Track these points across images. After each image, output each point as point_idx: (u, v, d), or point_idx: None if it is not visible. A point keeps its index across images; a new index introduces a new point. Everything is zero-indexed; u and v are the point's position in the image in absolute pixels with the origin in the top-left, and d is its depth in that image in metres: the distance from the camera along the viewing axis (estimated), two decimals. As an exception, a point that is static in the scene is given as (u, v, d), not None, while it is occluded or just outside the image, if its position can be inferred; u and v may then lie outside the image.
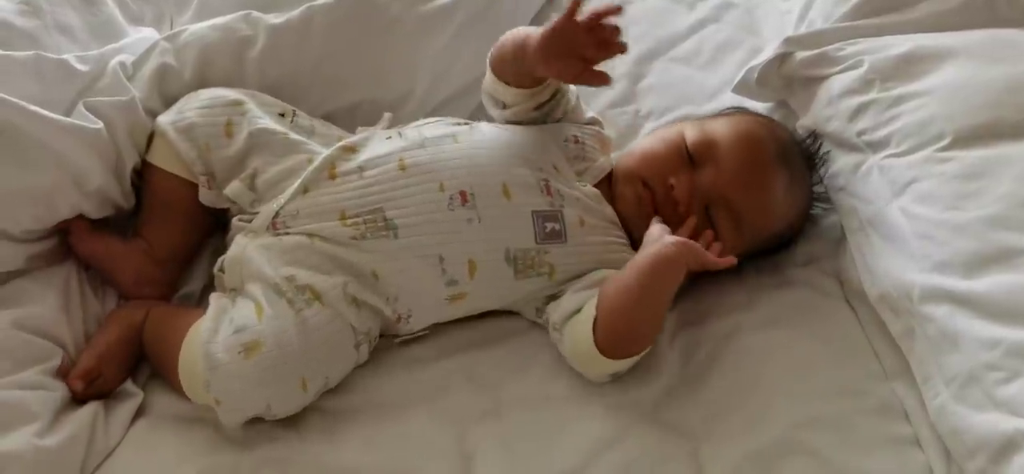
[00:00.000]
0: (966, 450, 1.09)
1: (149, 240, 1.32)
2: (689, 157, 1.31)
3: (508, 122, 1.39)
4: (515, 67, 1.31)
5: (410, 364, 1.27)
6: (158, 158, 1.33)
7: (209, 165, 1.31)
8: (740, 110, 1.46)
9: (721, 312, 1.33)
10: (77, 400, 1.20)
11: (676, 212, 1.29)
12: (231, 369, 1.14)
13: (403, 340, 1.29)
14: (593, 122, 1.43)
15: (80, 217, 1.30)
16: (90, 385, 1.21)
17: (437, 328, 1.30)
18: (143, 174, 1.34)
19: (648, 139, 1.40)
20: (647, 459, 1.17)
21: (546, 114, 1.39)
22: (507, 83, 1.34)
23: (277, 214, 1.25)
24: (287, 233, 1.24)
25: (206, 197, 1.32)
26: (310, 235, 1.23)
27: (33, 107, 1.22)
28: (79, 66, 1.33)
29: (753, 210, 1.31)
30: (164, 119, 1.33)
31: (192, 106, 1.33)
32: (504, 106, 1.38)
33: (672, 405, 1.23)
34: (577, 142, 1.37)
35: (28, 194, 1.24)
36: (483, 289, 1.27)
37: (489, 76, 1.37)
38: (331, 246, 1.23)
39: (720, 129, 1.34)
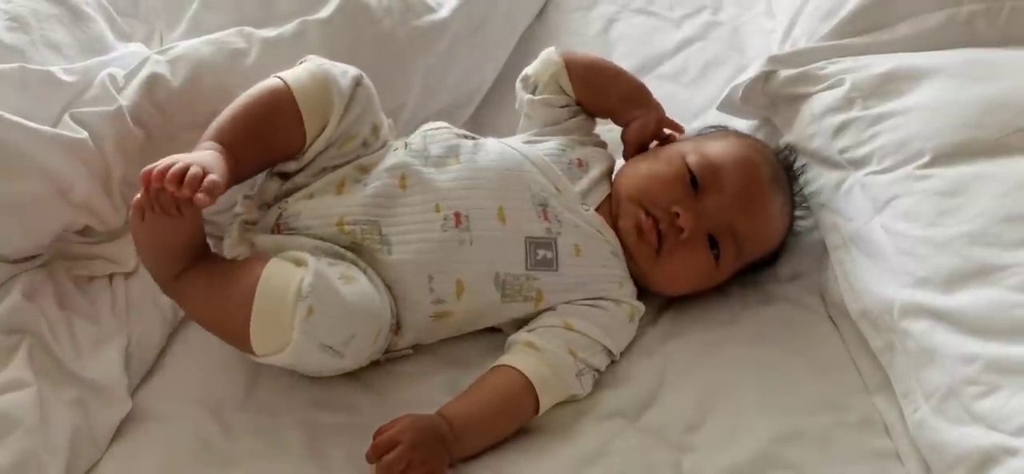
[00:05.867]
0: (945, 464, 1.10)
1: (236, 156, 1.21)
2: (692, 180, 1.31)
3: (527, 114, 1.42)
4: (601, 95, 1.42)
5: (395, 381, 1.27)
6: (301, 95, 1.23)
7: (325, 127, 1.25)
8: (725, 129, 1.47)
9: (705, 327, 1.34)
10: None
11: (679, 239, 1.29)
12: (334, 283, 1.12)
13: (388, 357, 1.29)
14: (600, 143, 1.43)
15: None
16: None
17: (422, 346, 1.30)
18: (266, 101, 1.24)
19: (647, 160, 1.37)
20: (631, 472, 1.17)
21: (572, 115, 1.42)
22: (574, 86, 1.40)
23: (280, 215, 1.25)
24: (290, 232, 1.24)
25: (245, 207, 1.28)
26: (311, 236, 1.23)
27: (14, 117, 1.22)
28: (64, 77, 1.32)
29: (756, 235, 1.33)
30: (344, 80, 1.25)
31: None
32: (535, 89, 1.41)
33: (655, 418, 1.23)
34: (581, 165, 1.36)
35: (12, 206, 1.23)
36: (469, 309, 1.27)
37: (558, 68, 1.40)
38: (329, 247, 1.23)
39: (718, 153, 1.33)
